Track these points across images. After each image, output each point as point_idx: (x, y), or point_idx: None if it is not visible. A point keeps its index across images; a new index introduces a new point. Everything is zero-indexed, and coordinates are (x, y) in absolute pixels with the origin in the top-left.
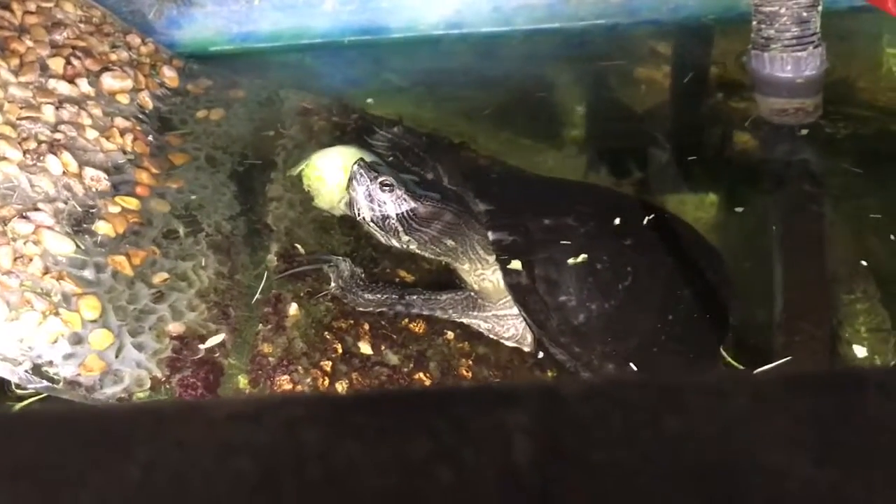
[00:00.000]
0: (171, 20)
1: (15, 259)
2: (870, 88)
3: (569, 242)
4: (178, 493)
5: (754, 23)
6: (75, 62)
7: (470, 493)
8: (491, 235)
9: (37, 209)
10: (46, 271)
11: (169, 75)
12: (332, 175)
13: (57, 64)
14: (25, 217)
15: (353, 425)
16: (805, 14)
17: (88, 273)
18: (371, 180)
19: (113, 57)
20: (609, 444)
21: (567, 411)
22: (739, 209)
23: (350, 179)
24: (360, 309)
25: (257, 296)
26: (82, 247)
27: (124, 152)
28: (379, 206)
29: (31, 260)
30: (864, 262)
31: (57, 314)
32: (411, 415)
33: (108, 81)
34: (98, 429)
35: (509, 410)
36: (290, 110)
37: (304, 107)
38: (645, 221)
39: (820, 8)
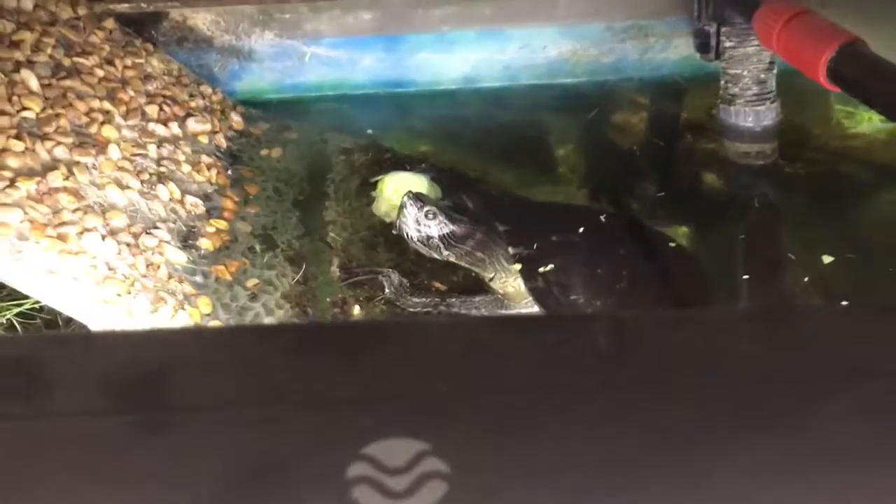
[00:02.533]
0: (233, 73)
1: (147, 266)
2: (822, 135)
3: (574, 254)
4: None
5: (722, 82)
6: (166, 108)
7: (581, 359)
8: (512, 250)
9: (156, 227)
10: (170, 276)
11: (235, 119)
12: (393, 192)
13: (152, 110)
14: (150, 233)
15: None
16: (763, 76)
17: (199, 278)
18: (418, 209)
19: (192, 104)
20: (640, 338)
21: (622, 325)
22: (708, 234)
23: (401, 207)
24: (410, 310)
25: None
26: (191, 258)
27: (211, 183)
28: (425, 228)
29: (158, 267)
30: (814, 280)
31: (183, 309)
32: (547, 322)
33: (192, 125)
34: (344, 339)
35: (595, 322)
36: (334, 150)
37: (346, 147)
38: (634, 235)
39: (775, 71)
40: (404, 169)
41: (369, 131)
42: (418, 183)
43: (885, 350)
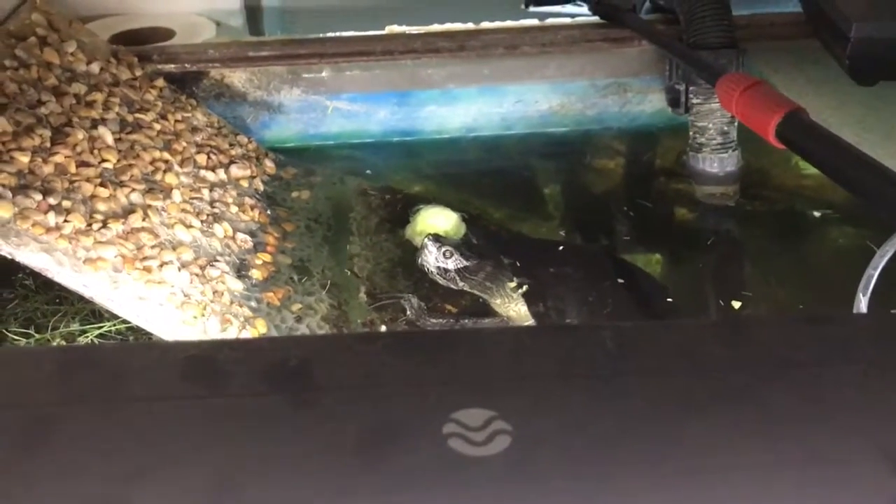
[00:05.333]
0: (263, 123)
1: (214, 293)
2: (781, 176)
3: (567, 284)
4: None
5: (691, 133)
6: (213, 157)
7: (595, 354)
8: (515, 280)
9: (216, 260)
10: (232, 302)
11: (269, 165)
12: (424, 223)
13: (202, 159)
14: (213, 265)
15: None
16: (726, 128)
17: (253, 303)
18: (437, 249)
19: (233, 152)
20: (636, 340)
21: (621, 331)
22: (678, 265)
23: (422, 248)
24: (429, 329)
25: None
26: (246, 286)
27: (254, 222)
28: (443, 264)
29: (222, 294)
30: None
31: (245, 329)
32: (570, 329)
33: (235, 171)
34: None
35: (603, 330)
36: (353, 191)
37: (364, 189)
38: (617, 268)
39: (736, 124)
40: (412, 208)
41: (368, 171)
42: (448, 216)
43: (809, 348)
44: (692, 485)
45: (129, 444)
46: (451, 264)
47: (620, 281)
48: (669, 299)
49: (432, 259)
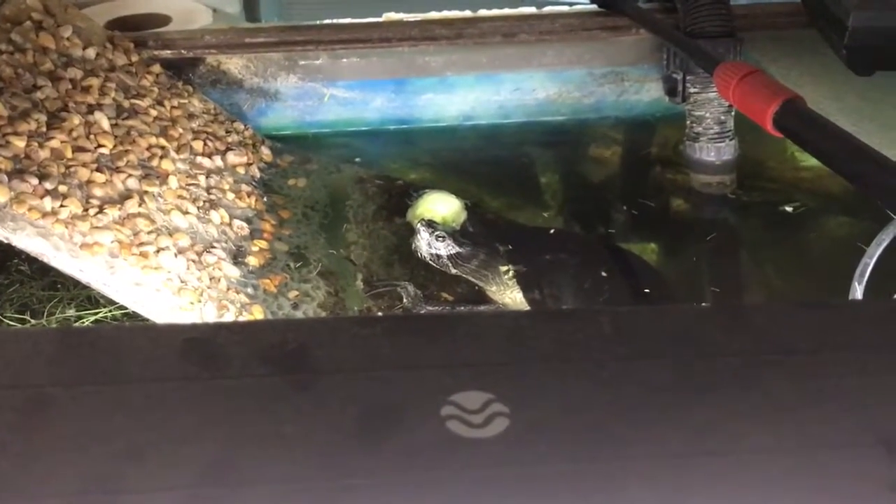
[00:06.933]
0: (260, 111)
1: (210, 279)
2: (777, 168)
3: (563, 271)
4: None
5: (688, 122)
6: (209, 143)
7: (593, 338)
8: (511, 267)
9: (213, 247)
10: (229, 288)
11: (265, 152)
12: (424, 207)
13: (198, 145)
14: (209, 252)
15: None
16: (723, 117)
17: (250, 290)
18: (429, 234)
19: (229, 139)
20: (634, 324)
21: (619, 315)
22: (674, 253)
23: (415, 233)
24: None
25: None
26: (242, 273)
27: (251, 209)
28: (436, 250)
29: (219, 280)
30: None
31: (242, 315)
32: (567, 313)
33: (231, 157)
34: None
35: (601, 315)
36: (350, 179)
37: (361, 176)
38: (613, 255)
39: (733, 112)
40: (409, 196)
41: (357, 160)
42: (450, 202)
43: (805, 334)
44: (688, 468)
45: (128, 424)
46: (444, 250)
47: (612, 269)
48: (647, 290)
49: (424, 244)
